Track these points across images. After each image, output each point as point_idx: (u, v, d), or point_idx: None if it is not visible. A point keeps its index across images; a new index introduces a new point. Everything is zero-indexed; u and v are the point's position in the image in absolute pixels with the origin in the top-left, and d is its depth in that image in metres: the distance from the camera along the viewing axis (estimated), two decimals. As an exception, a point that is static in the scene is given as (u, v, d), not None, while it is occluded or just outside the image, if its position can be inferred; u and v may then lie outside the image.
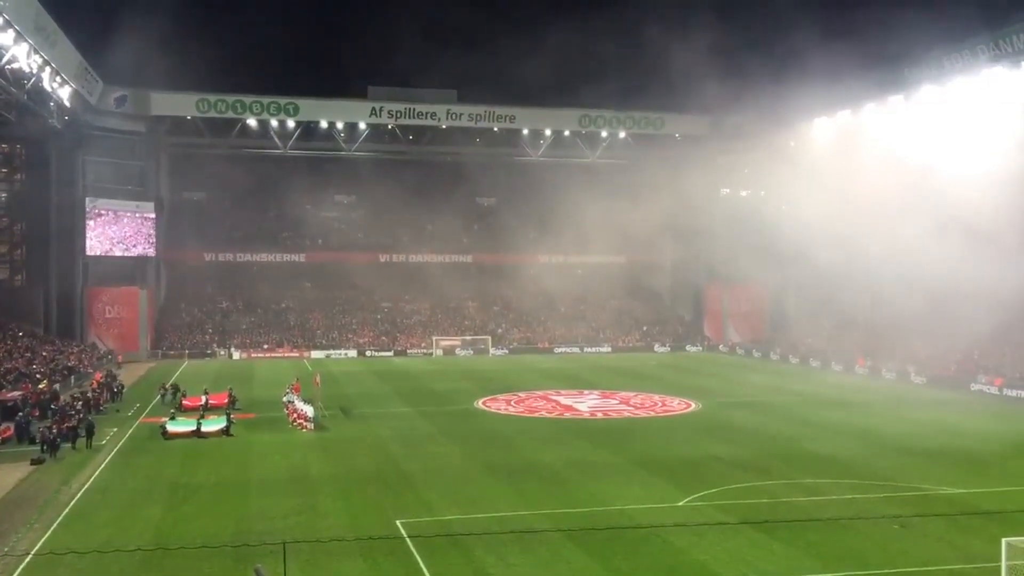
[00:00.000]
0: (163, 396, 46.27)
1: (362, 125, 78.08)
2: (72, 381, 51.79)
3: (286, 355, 74.36)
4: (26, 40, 47.86)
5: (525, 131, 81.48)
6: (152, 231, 74.28)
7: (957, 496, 25.33)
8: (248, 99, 73.86)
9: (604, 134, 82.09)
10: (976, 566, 18.92)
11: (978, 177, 49.87)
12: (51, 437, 32.21)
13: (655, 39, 67.49)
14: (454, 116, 77.83)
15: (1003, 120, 51.95)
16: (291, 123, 76.66)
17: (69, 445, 32.98)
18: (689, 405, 44.73)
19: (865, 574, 18.68)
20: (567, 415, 42.20)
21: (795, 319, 77.84)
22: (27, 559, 19.57)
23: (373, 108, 76.78)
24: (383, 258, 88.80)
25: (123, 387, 49.20)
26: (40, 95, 54.88)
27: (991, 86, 52.23)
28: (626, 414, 42.00)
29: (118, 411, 43.20)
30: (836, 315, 68.98)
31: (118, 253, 71.83)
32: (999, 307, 52.55)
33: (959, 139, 54.93)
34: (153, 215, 74.46)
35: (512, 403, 46.43)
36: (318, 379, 43.32)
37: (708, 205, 79.75)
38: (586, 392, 50.48)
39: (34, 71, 50.99)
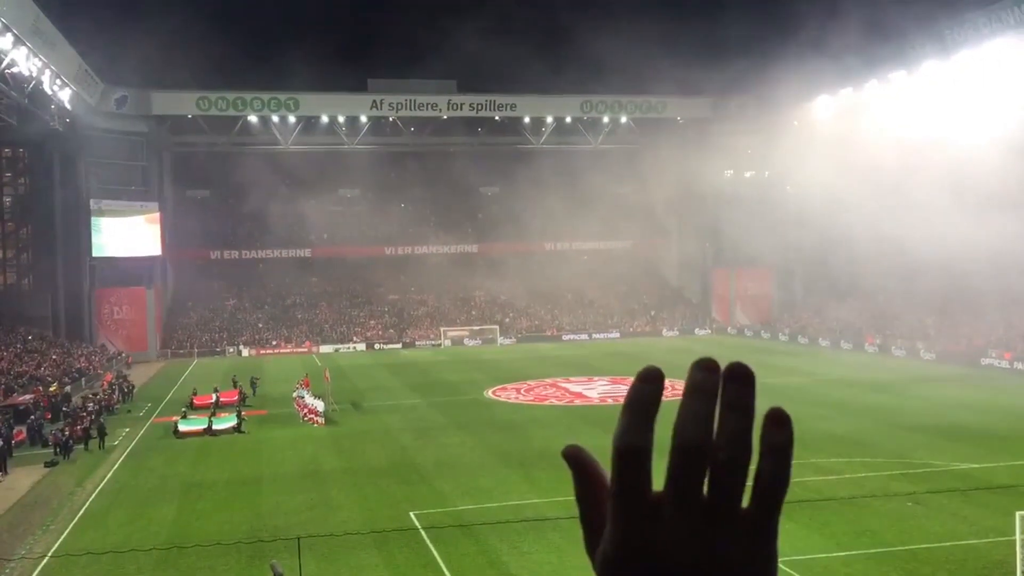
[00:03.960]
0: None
1: (363, 118, 77.95)
2: (83, 383, 51.95)
3: (295, 351, 74.48)
4: (25, 43, 47.86)
5: (527, 119, 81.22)
6: (157, 231, 74.32)
7: (970, 471, 25.30)
8: (248, 95, 73.78)
9: (606, 119, 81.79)
10: (990, 540, 18.92)
11: (982, 150, 49.68)
12: (64, 439, 32.36)
13: (655, 22, 67.24)
14: (455, 106, 77.67)
15: (1008, 91, 51.69)
16: (292, 118, 76.57)
17: (82, 447, 33.14)
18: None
19: (880, 551, 18.68)
20: (577, 402, 42.24)
21: (803, 299, 77.71)
22: (44, 561, 19.69)
23: (374, 101, 76.63)
24: (388, 251, 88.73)
25: (133, 387, 49.36)
26: (41, 98, 54.86)
27: (994, 58, 51.88)
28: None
29: (129, 411, 43.37)
30: (844, 294, 68.82)
31: (124, 254, 71.86)
32: (1009, 279, 52.36)
33: (964, 112, 54.69)
34: (158, 215, 74.50)
35: (522, 392, 46.46)
36: (327, 374, 43.39)
37: (712, 187, 79.49)
38: (595, 379, 50.45)
39: (34, 74, 50.98)
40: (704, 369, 0.90)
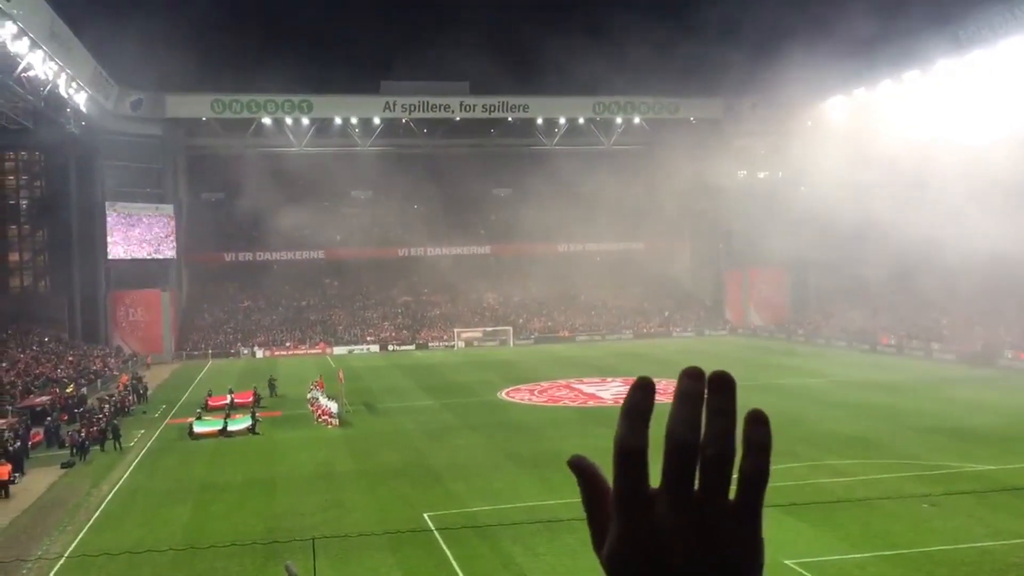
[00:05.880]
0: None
1: (376, 120, 78.16)
2: (99, 385, 52.27)
3: (309, 352, 74.70)
4: (41, 47, 48.15)
5: (539, 120, 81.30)
6: (172, 233, 74.71)
7: (986, 472, 25.16)
8: (262, 98, 74.05)
9: (619, 120, 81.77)
10: (1006, 542, 18.83)
11: (996, 148, 49.39)
12: (80, 440, 32.57)
13: (666, 22, 67.13)
14: (467, 108, 77.74)
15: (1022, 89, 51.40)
16: (305, 120, 76.88)
17: (98, 448, 33.34)
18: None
19: (894, 554, 18.61)
20: (591, 403, 42.20)
21: (817, 300, 77.40)
22: (60, 561, 19.82)
23: (387, 103, 76.79)
24: (401, 252, 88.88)
25: (147, 389, 49.59)
26: (57, 102, 55.23)
27: (1009, 56, 51.57)
28: (649, 400, 41.70)
29: (144, 413, 43.57)
30: (859, 295, 68.52)
31: (139, 257, 72.29)
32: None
33: (978, 111, 54.44)
34: (173, 217, 74.87)
35: (535, 393, 46.46)
36: (341, 375, 43.49)
37: (726, 188, 79.31)
38: (608, 380, 50.39)
39: (50, 78, 51.31)
40: (691, 377, 1.02)
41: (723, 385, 1.02)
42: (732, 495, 1.02)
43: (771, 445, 1.02)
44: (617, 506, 1.03)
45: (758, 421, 1.01)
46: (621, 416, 1.03)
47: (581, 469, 1.09)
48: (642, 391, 1.04)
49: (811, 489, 23.27)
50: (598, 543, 1.06)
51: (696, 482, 1.01)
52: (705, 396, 1.01)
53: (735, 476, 1.02)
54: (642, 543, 1.01)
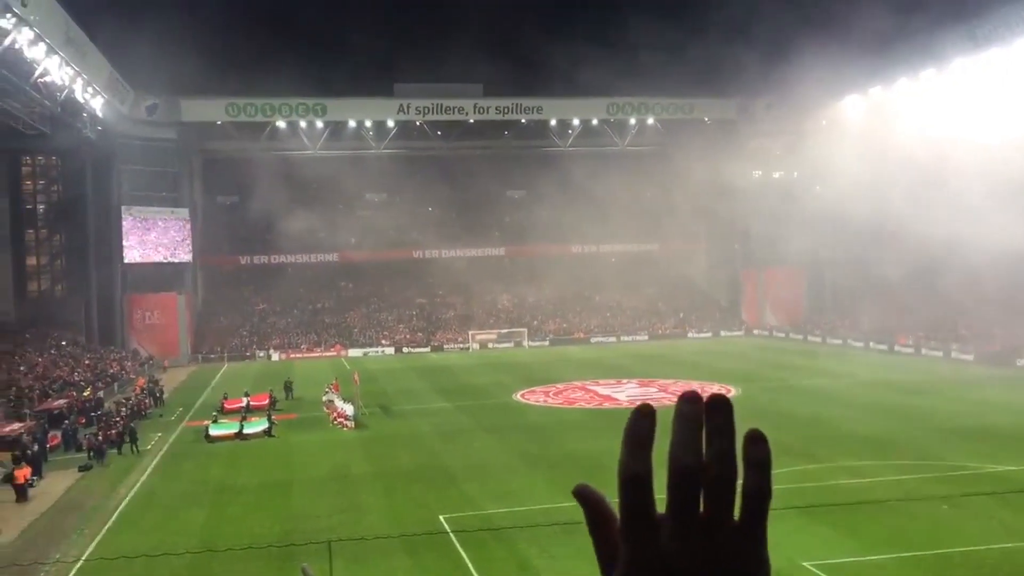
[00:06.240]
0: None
1: (390, 123, 78.31)
2: (116, 388, 52.50)
3: (324, 355, 74.84)
4: (57, 53, 48.42)
5: (553, 122, 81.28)
6: (187, 237, 75.03)
7: (1006, 473, 24.95)
8: (276, 102, 74.26)
9: (632, 121, 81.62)
10: (1027, 544, 18.64)
11: (1011, 147, 49.03)
12: (97, 444, 32.73)
13: (679, 22, 66.93)
14: (481, 110, 77.74)
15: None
16: (319, 123, 77.09)
17: (115, 451, 33.50)
18: (729, 391, 44.09)
19: (913, 555, 18.47)
20: (606, 405, 42.08)
21: (833, 300, 77.00)
22: (78, 564, 19.92)
23: (400, 105, 76.89)
24: (416, 254, 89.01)
25: (163, 392, 49.76)
26: (73, 107, 55.55)
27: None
28: (665, 402, 41.31)
29: (161, 416, 43.76)
30: (876, 295, 68.11)
31: (155, 260, 72.64)
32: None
33: (995, 109, 54.07)
34: (188, 221, 75.19)
35: (550, 395, 46.38)
36: (357, 377, 43.53)
37: (741, 189, 79.02)
38: (624, 381, 50.21)
39: (66, 83, 51.62)
40: (689, 401, 1.04)
41: (721, 406, 1.04)
42: (736, 514, 1.04)
43: (771, 463, 1.03)
44: (624, 532, 1.04)
45: (757, 440, 1.03)
46: (623, 443, 1.04)
47: (585, 498, 1.09)
48: (643, 417, 1.05)
49: (829, 490, 23.12)
50: (606, 571, 1.07)
51: (701, 504, 1.02)
52: (704, 419, 1.03)
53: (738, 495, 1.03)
54: (651, 568, 1.03)
